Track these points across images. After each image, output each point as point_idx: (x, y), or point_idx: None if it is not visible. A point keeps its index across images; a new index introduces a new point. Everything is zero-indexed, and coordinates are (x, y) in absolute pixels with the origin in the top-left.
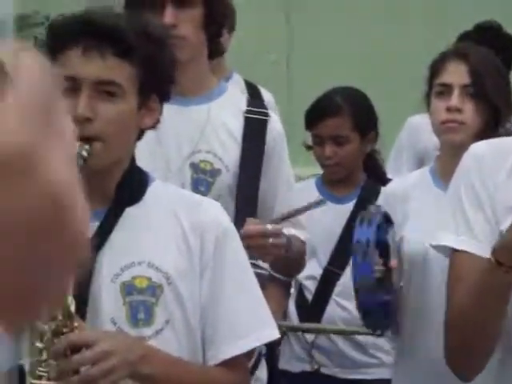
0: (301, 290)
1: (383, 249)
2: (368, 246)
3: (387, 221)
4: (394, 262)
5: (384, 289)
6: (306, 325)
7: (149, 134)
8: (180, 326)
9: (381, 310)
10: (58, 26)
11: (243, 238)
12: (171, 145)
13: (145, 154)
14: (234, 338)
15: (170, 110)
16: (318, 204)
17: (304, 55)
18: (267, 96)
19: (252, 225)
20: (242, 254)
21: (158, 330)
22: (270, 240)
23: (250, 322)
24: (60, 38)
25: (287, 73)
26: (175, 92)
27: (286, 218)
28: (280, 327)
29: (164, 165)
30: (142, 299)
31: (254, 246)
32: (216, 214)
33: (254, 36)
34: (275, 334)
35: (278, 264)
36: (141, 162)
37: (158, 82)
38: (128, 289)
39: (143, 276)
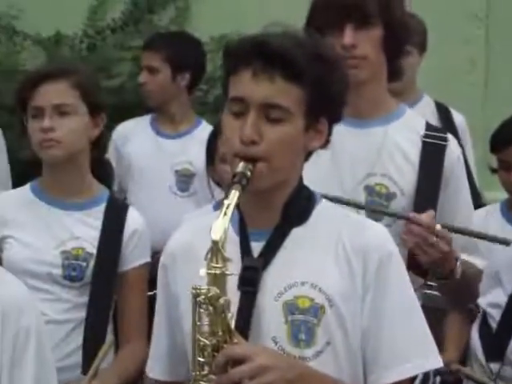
0: (485, 317)
1: None
2: None
3: None
4: None
5: None
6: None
7: (323, 155)
8: (340, 348)
9: None
10: (232, 47)
11: (410, 222)
12: (346, 167)
13: (319, 175)
14: (397, 363)
15: (345, 132)
16: (500, 242)
17: (502, 76)
18: (458, 118)
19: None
20: (406, 279)
21: (318, 352)
22: (434, 238)
23: (413, 347)
24: (233, 59)
25: (484, 94)
26: (351, 113)
27: (461, 231)
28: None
29: (338, 186)
30: (303, 319)
31: (417, 235)
32: (381, 238)
33: (450, 56)
34: (438, 363)
35: (446, 288)
36: (314, 183)
37: (328, 104)
38: (290, 308)
39: (306, 296)
